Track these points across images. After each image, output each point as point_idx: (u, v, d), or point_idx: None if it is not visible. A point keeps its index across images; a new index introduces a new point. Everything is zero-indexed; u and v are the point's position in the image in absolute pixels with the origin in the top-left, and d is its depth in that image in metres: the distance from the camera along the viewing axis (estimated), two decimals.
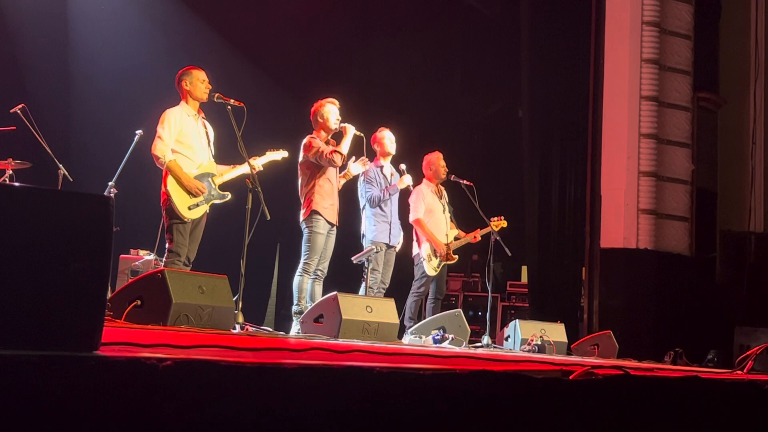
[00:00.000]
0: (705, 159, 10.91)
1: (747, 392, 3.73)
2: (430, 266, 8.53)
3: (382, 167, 8.20)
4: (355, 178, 7.98)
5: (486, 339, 8.30)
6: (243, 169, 6.57)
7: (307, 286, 7.19)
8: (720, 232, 11.22)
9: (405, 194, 8.60)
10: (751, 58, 11.54)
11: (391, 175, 8.23)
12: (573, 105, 10.97)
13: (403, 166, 8.20)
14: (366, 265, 7.50)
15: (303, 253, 7.26)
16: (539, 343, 7.82)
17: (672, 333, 9.46)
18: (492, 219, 8.83)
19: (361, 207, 8.18)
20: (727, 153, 11.43)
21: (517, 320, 8.36)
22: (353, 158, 7.65)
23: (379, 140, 8.22)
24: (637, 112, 10.13)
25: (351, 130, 7.40)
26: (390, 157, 8.26)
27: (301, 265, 7.23)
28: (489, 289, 8.76)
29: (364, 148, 7.72)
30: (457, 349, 6.66)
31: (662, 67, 10.25)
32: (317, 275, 7.28)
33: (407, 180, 8.14)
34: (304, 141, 7.35)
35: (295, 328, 6.92)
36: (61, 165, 7.67)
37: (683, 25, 10.49)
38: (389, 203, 8.10)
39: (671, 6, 10.40)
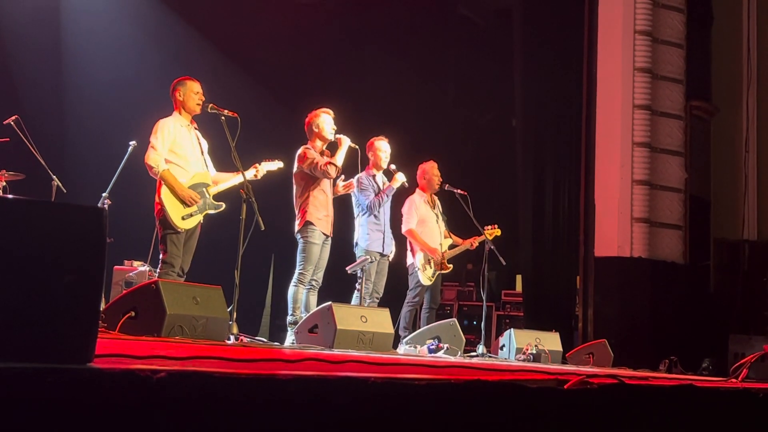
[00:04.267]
0: (698, 167, 10.94)
1: (742, 400, 3.73)
2: (424, 276, 8.53)
3: (374, 176, 8.20)
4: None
5: (481, 348, 8.29)
6: (238, 179, 6.57)
7: (301, 296, 7.19)
8: (714, 240, 11.25)
9: (398, 203, 8.60)
10: (743, 66, 11.58)
11: (383, 183, 8.23)
12: (566, 114, 10.98)
13: (393, 166, 8.18)
14: (360, 275, 7.50)
15: (298, 264, 7.25)
16: (534, 352, 7.82)
17: (667, 341, 9.46)
18: (486, 227, 8.83)
19: (355, 215, 8.18)
20: (721, 161, 11.47)
21: (512, 329, 8.35)
22: (342, 176, 7.64)
23: (375, 150, 8.21)
24: (630, 120, 10.15)
25: (346, 142, 7.40)
26: (382, 170, 8.26)
27: (296, 275, 7.23)
28: (484, 298, 8.75)
29: (358, 160, 7.72)
30: (452, 359, 6.66)
31: (655, 76, 10.29)
32: (312, 285, 7.28)
33: (400, 177, 8.09)
34: (299, 151, 7.35)
35: (290, 338, 6.91)
36: (54, 176, 7.66)
37: (675, 34, 10.53)
38: (382, 211, 8.10)
39: (663, 15, 10.44)
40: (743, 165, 11.44)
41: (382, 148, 8.22)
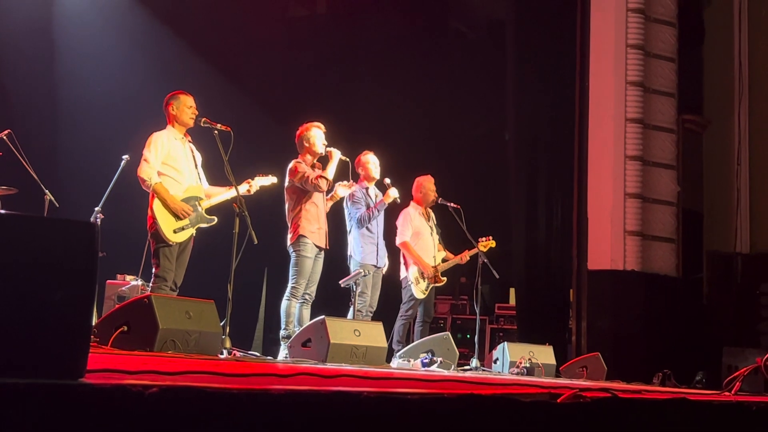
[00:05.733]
0: (690, 180, 10.97)
1: (735, 414, 3.73)
2: (418, 289, 8.52)
3: (367, 189, 8.20)
4: (342, 201, 7.98)
5: (474, 362, 8.29)
6: (231, 194, 6.57)
7: (294, 310, 7.17)
8: (706, 254, 11.28)
9: (392, 216, 8.60)
10: (734, 79, 11.63)
11: (376, 196, 8.23)
12: (559, 127, 11.01)
13: (387, 180, 8.18)
14: (354, 288, 7.48)
15: (290, 277, 7.24)
16: (528, 365, 7.81)
17: (660, 354, 9.46)
18: (480, 240, 8.83)
19: (348, 229, 8.17)
20: (713, 174, 11.51)
21: (505, 343, 8.35)
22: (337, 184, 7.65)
23: (363, 164, 8.22)
24: (622, 134, 10.18)
25: (337, 155, 7.41)
26: (375, 182, 8.26)
27: (288, 290, 7.21)
28: (477, 311, 8.75)
29: (349, 173, 7.73)
30: (445, 373, 6.65)
31: (647, 90, 10.33)
32: (305, 299, 7.26)
33: (393, 193, 8.10)
34: (290, 165, 7.35)
35: (283, 352, 6.90)
36: (47, 191, 7.64)
37: (667, 47, 10.58)
38: (376, 224, 8.09)
39: (655, 29, 10.49)
40: (735, 178, 11.48)
41: (371, 160, 8.23)
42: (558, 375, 8.32)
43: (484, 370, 8.15)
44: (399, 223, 8.69)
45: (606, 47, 10.34)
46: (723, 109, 11.65)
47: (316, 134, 7.45)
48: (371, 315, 7.94)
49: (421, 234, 8.70)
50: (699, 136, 11.36)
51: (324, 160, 7.46)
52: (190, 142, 6.68)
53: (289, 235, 7.31)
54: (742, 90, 11.58)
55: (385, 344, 6.80)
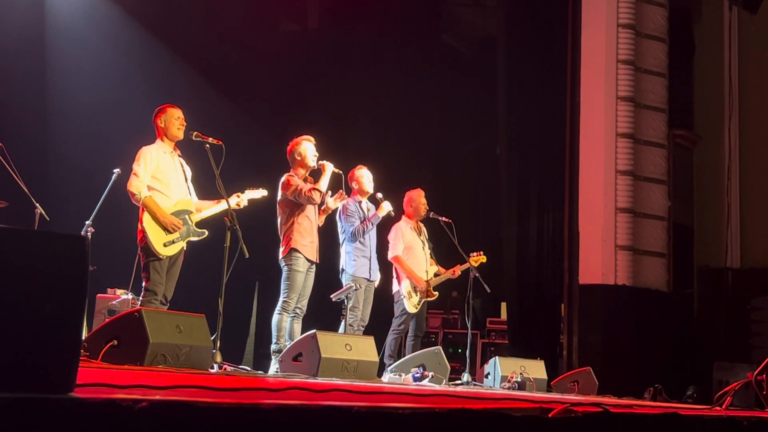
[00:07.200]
0: (681, 195, 11.01)
1: (726, 428, 3.73)
2: (410, 303, 8.50)
3: (360, 202, 8.20)
4: (335, 213, 7.97)
5: (466, 376, 8.27)
6: (221, 207, 6.57)
7: (286, 324, 7.15)
8: (697, 268, 11.31)
9: (384, 230, 8.59)
10: (725, 95, 11.70)
11: (368, 210, 8.23)
12: (550, 142, 11.04)
13: (379, 195, 8.19)
14: (345, 302, 7.47)
15: (282, 291, 7.22)
16: (519, 380, 7.81)
17: (651, 369, 9.47)
18: (471, 254, 8.83)
19: (341, 242, 8.16)
20: (703, 189, 11.55)
21: (496, 357, 8.34)
22: (329, 193, 7.64)
23: (357, 178, 8.22)
24: (613, 149, 10.22)
25: (329, 168, 7.41)
26: (368, 195, 8.26)
27: (280, 303, 7.19)
28: (468, 326, 8.74)
29: (342, 185, 7.73)
30: (436, 387, 6.63)
31: (638, 105, 10.37)
32: (296, 313, 7.25)
33: (387, 206, 8.10)
34: (282, 179, 7.35)
35: (274, 366, 6.88)
36: (38, 204, 7.62)
37: (658, 63, 10.63)
38: (368, 238, 8.09)
39: (646, 44, 10.55)
40: (726, 193, 11.53)
41: (364, 174, 8.24)
42: (549, 390, 8.30)
43: (475, 385, 8.13)
44: (391, 237, 8.69)
45: (597, 63, 10.39)
46: (713, 124, 11.71)
47: (307, 147, 7.46)
48: (363, 329, 7.93)
49: (413, 248, 8.69)
50: (689, 151, 11.41)
51: (316, 174, 7.46)
52: (179, 156, 6.67)
53: (281, 249, 7.30)
54: (732, 105, 11.64)
55: (376, 358, 6.79)
